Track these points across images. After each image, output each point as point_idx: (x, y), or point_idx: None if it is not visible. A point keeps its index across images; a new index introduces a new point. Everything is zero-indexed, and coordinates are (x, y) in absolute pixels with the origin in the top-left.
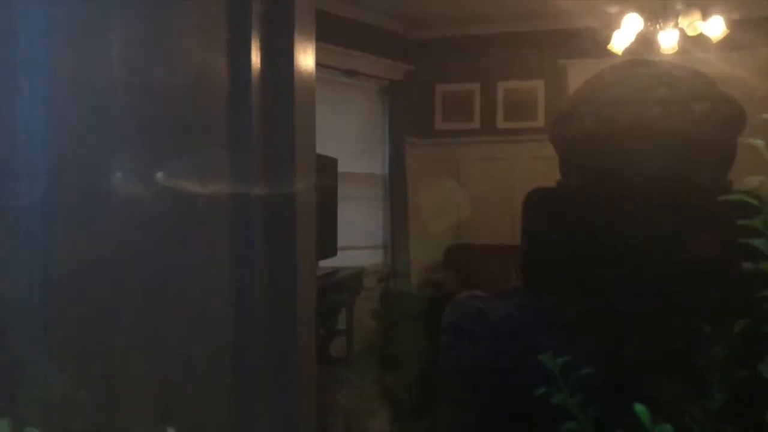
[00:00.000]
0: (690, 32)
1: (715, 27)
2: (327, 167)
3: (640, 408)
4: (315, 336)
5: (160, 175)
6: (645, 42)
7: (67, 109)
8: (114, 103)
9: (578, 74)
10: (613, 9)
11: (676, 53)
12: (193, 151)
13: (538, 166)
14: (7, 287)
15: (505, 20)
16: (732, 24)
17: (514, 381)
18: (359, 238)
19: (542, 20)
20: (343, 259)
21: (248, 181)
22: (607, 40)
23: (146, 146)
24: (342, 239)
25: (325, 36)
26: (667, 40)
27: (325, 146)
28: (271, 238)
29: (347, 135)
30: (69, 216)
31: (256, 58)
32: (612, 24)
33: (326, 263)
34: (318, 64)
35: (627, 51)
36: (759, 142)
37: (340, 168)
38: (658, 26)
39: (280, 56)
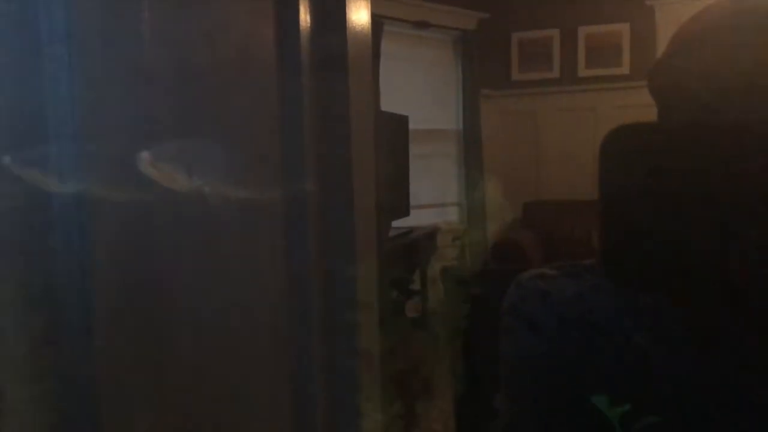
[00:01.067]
0: None
1: None
2: (397, 125)
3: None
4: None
5: (204, 159)
6: None
7: (97, 89)
8: (151, 78)
9: (668, 16)
10: None
11: None
12: (238, 128)
13: (624, 116)
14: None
15: None
16: None
17: (579, 376)
18: (433, 195)
19: None
20: (417, 218)
21: (300, 156)
22: None
23: (187, 128)
24: (415, 198)
25: None
26: None
27: (395, 102)
28: (327, 220)
29: (419, 90)
30: (109, 212)
31: (305, 23)
32: None
33: (399, 223)
34: (386, 17)
35: None
36: None
37: (412, 124)
38: None
39: (331, 17)
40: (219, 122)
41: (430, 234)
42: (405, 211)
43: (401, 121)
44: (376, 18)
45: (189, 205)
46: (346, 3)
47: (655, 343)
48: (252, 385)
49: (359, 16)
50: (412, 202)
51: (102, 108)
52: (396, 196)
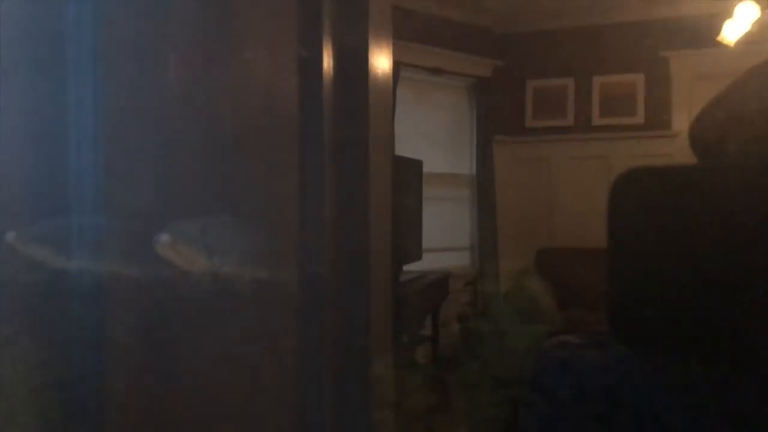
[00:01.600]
0: None
1: None
2: (411, 169)
3: None
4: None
5: (224, 240)
6: (760, 30)
7: (121, 135)
8: (175, 128)
9: (683, 66)
10: None
11: None
12: (262, 162)
13: (638, 164)
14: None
15: (601, 11)
16: None
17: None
18: (445, 239)
19: (641, 9)
20: (429, 262)
21: (320, 188)
22: (715, 28)
23: (211, 162)
24: (427, 241)
25: (408, 34)
26: None
27: (410, 146)
28: (344, 248)
29: (433, 134)
30: (126, 286)
31: (327, 61)
32: (720, 11)
33: (411, 267)
34: (402, 63)
35: (739, 41)
36: None
37: (426, 168)
38: None
39: (353, 56)
40: (241, 180)
41: (443, 279)
42: (417, 255)
43: (415, 166)
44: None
45: (205, 282)
46: (369, 54)
47: (684, 422)
48: None
49: (382, 66)
50: (424, 245)
51: (125, 179)
52: (408, 240)
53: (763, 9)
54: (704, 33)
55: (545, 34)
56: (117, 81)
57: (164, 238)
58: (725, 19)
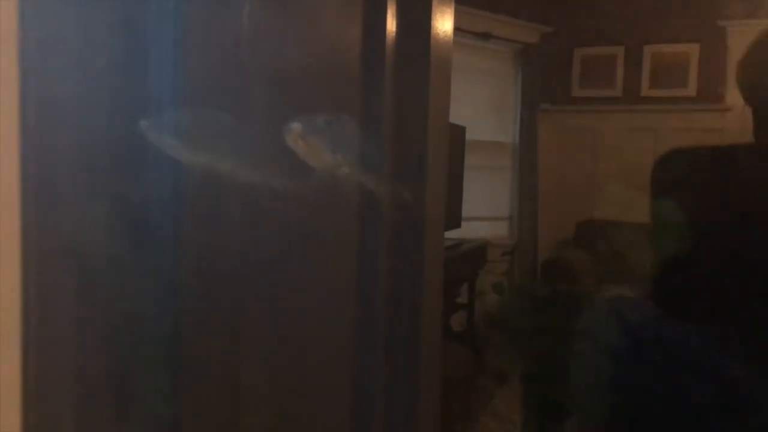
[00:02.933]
0: None
1: None
2: (454, 136)
3: None
4: (441, 322)
5: (288, 151)
6: None
7: (197, 81)
8: (244, 76)
9: (740, 36)
10: None
11: None
12: (324, 123)
13: (686, 139)
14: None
15: None
16: None
17: (656, 403)
18: (484, 208)
19: None
20: (467, 230)
21: (379, 155)
22: None
23: (276, 122)
24: (466, 209)
25: None
26: None
27: (453, 112)
28: (399, 216)
29: (477, 101)
30: (198, 202)
31: (391, 26)
32: None
33: (449, 234)
34: None
35: None
36: None
37: (468, 135)
38: None
39: (416, 23)
40: (306, 110)
41: (480, 248)
42: (456, 223)
43: (458, 132)
44: None
45: (324, 180)
46: (432, 10)
47: (744, 375)
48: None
49: (444, 24)
50: (463, 213)
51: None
52: (448, 207)
53: None
54: (764, 3)
55: (595, 0)
56: (194, 25)
57: (296, 126)
58: None
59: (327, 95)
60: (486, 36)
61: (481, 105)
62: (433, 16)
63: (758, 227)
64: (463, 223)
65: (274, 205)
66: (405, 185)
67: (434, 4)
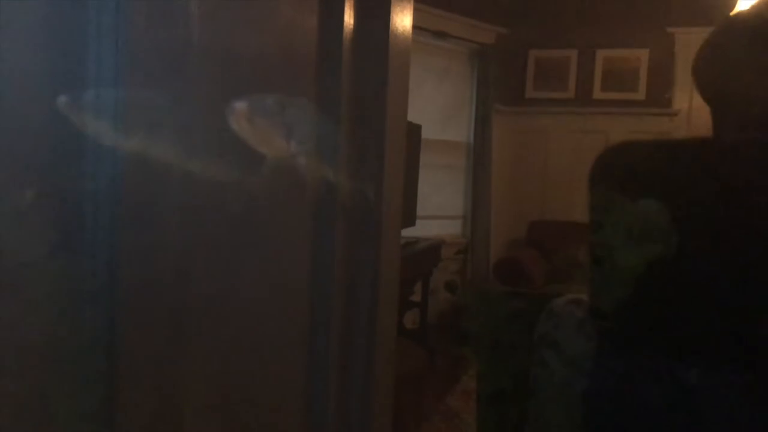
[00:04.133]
0: None
1: None
2: (410, 134)
3: None
4: (396, 319)
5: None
6: None
7: (141, 69)
8: (194, 64)
9: (688, 43)
10: None
11: None
12: (275, 104)
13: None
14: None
15: None
16: None
17: (617, 410)
18: (438, 207)
19: None
20: (421, 229)
21: (336, 145)
22: (721, 6)
23: (224, 108)
24: (420, 208)
25: None
26: None
27: (409, 110)
28: (355, 212)
29: (433, 100)
30: (139, 192)
31: (349, 18)
32: None
33: (404, 232)
34: None
35: None
36: None
37: (423, 134)
38: None
39: (375, 16)
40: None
41: (435, 246)
42: (411, 221)
43: (414, 130)
44: None
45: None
46: (391, 2)
47: (703, 379)
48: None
49: (403, 18)
50: (418, 211)
51: (142, 85)
52: (404, 205)
53: None
54: (711, 11)
55: (551, 3)
56: (137, 11)
57: (240, 105)
58: None
59: (281, 85)
60: (442, 35)
61: (436, 104)
62: (392, 9)
63: (703, 222)
64: (418, 222)
65: (222, 197)
66: (362, 179)
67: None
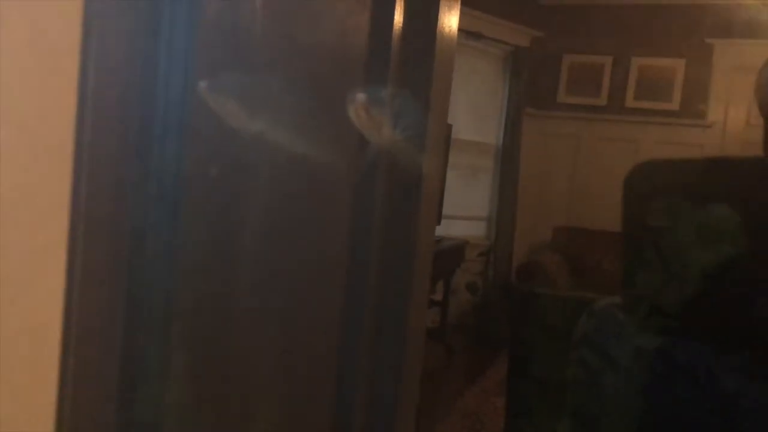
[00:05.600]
0: None
1: None
2: None
3: None
4: (425, 313)
5: (292, 134)
6: None
7: (210, 59)
8: (258, 53)
9: (726, 55)
10: None
11: None
12: (327, 112)
13: (667, 151)
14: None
15: None
16: None
17: (662, 416)
18: (464, 207)
19: None
20: (445, 228)
21: (377, 145)
22: (764, 18)
23: (283, 104)
24: (446, 207)
25: None
26: None
27: None
28: (395, 204)
29: (464, 100)
30: (202, 167)
31: (399, 16)
32: None
33: None
34: None
35: None
36: None
37: (453, 134)
38: None
39: (423, 15)
40: (312, 94)
41: (459, 246)
42: (437, 220)
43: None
44: None
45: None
46: (439, 7)
47: (744, 387)
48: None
49: (450, 19)
50: (443, 211)
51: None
52: None
53: None
54: (751, 23)
55: (588, 9)
56: (210, 8)
57: (360, 96)
58: None
59: (334, 78)
60: (478, 36)
61: (468, 104)
62: (440, 9)
63: (732, 240)
64: (443, 221)
65: (283, 169)
66: (405, 169)
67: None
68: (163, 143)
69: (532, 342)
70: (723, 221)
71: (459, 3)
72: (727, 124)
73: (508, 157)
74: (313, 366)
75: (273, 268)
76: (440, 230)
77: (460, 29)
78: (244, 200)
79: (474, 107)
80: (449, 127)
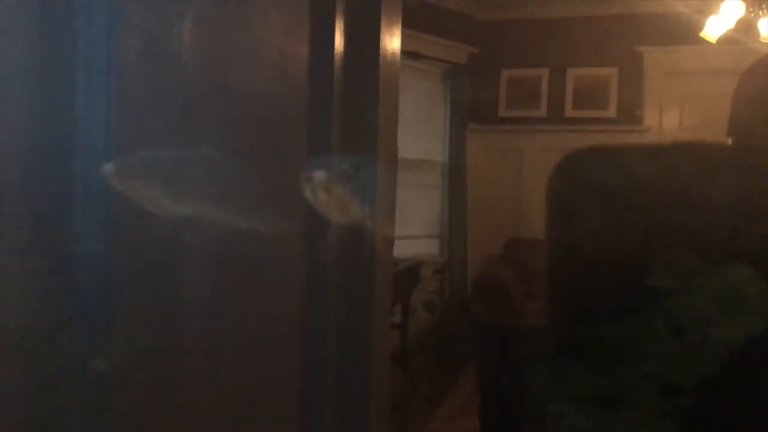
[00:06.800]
0: None
1: None
2: None
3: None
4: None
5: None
6: (741, 28)
7: (134, 104)
8: (187, 95)
9: (656, 62)
10: None
11: None
12: (271, 142)
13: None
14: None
15: (579, 3)
16: None
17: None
18: (415, 226)
19: (618, 3)
20: (398, 248)
21: (328, 169)
22: (692, 25)
23: (219, 141)
24: (397, 228)
25: None
26: None
27: None
28: (349, 235)
29: (407, 119)
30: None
31: (339, 45)
32: (697, 8)
33: None
34: None
35: (721, 39)
36: None
37: (398, 154)
38: (760, 12)
39: (365, 42)
40: (253, 131)
41: (414, 267)
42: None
43: None
44: None
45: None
46: (381, 30)
47: None
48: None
49: (392, 42)
50: (396, 231)
51: (136, 125)
52: None
53: (747, 6)
54: (678, 30)
55: (522, 23)
56: (129, 42)
57: (318, 174)
58: (706, 16)
59: (275, 116)
60: (416, 55)
61: (411, 123)
62: (381, 34)
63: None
64: (395, 242)
65: (218, 238)
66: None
67: (383, 22)
68: (84, 229)
69: (502, 374)
70: (749, 282)
71: (400, 25)
72: (662, 127)
73: (455, 174)
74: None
75: (220, 346)
76: (394, 251)
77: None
78: (181, 282)
79: (417, 126)
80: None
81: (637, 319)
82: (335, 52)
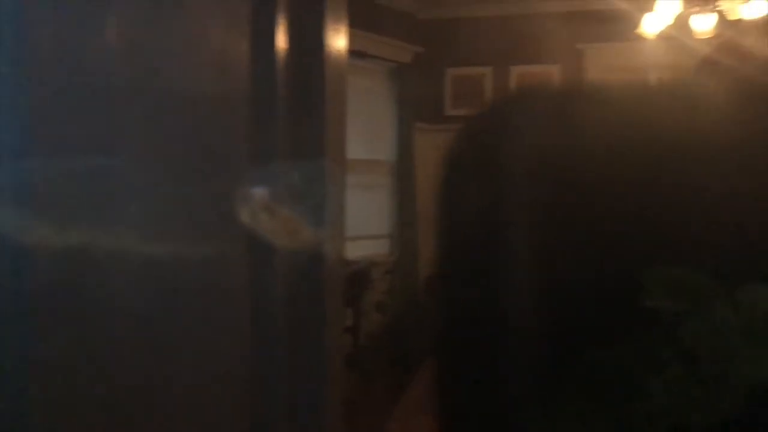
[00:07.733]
0: (730, 16)
1: (756, 10)
2: None
3: None
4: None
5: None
6: (677, 25)
7: (42, 111)
8: (107, 98)
9: (596, 59)
10: None
11: (711, 37)
12: (207, 149)
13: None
14: None
15: (520, 1)
16: None
17: None
18: (364, 227)
19: (559, 1)
20: (347, 250)
21: (272, 184)
22: (630, 22)
23: (144, 150)
24: (348, 229)
25: None
26: (704, 23)
27: None
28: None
29: (352, 119)
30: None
31: (282, 38)
32: (636, 6)
33: None
34: None
35: (659, 35)
36: None
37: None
38: (696, 8)
39: (309, 38)
40: (188, 137)
41: (365, 269)
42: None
43: None
44: None
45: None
46: (326, 25)
47: None
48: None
49: (338, 41)
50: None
51: (51, 127)
52: None
53: (682, 4)
54: (617, 27)
55: (464, 22)
56: (42, 41)
57: (259, 192)
58: (643, 13)
59: (215, 117)
60: (361, 54)
61: (357, 123)
62: (326, 31)
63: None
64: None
65: (152, 269)
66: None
67: (327, 18)
68: None
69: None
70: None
71: (346, 22)
72: None
73: (403, 173)
74: None
75: (154, 374)
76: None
77: None
78: (105, 318)
79: (364, 126)
80: None
81: (628, 346)
82: (278, 48)
